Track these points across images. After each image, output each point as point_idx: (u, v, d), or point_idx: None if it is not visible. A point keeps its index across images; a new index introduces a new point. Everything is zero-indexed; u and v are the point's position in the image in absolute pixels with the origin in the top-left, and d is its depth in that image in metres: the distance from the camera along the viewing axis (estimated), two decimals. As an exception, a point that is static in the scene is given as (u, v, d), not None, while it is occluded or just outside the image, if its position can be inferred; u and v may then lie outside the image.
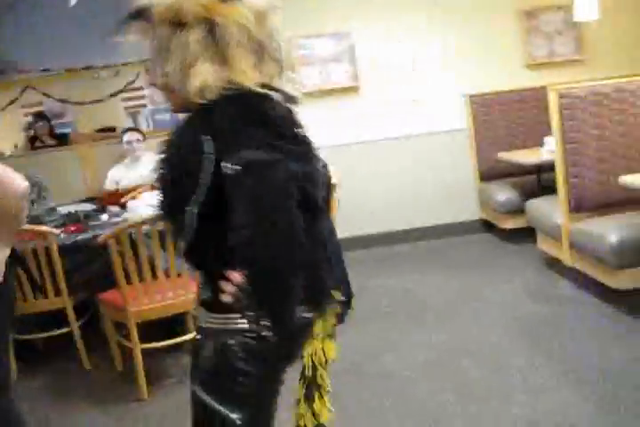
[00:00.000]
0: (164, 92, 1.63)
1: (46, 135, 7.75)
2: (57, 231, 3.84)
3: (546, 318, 3.98)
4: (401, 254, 5.68)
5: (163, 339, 3.69)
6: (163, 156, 1.61)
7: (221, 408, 1.59)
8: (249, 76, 1.50)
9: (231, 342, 1.57)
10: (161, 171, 1.61)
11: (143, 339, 3.55)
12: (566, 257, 4.44)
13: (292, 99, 1.59)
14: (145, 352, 3.56)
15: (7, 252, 2.43)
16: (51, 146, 7.44)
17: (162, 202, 1.63)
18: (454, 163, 5.96)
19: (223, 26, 1.48)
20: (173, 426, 3.22)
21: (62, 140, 7.87)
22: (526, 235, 5.25)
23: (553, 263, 4.75)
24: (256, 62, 1.53)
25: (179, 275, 3.54)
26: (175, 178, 1.56)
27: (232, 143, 1.42)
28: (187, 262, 1.67)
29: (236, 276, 1.47)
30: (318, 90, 5.77)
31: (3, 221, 2.40)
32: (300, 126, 1.56)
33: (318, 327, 1.71)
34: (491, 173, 5.86)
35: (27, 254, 3.65)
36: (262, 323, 1.45)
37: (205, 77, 1.48)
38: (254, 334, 1.52)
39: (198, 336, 1.69)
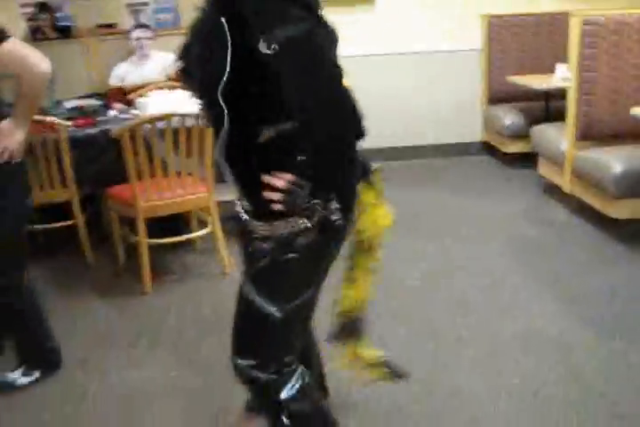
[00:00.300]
0: None
1: (49, 27, 7.56)
2: (68, 123, 3.81)
3: (540, 241, 4.08)
4: (402, 170, 5.70)
5: (165, 236, 3.76)
6: (188, 43, 1.61)
7: (265, 304, 1.68)
8: None
9: (277, 245, 1.63)
10: (186, 59, 1.60)
11: (148, 235, 3.60)
12: (566, 184, 4.50)
13: None
14: (149, 248, 3.61)
15: (25, 132, 2.50)
16: (53, 39, 7.27)
17: (196, 95, 1.64)
18: (462, 83, 5.91)
19: None
20: (175, 318, 3.33)
21: (65, 33, 7.68)
22: (528, 160, 5.29)
23: (552, 189, 4.81)
24: None
25: (189, 174, 3.57)
26: (203, 65, 1.54)
27: (261, 24, 1.40)
28: (230, 170, 1.65)
29: (279, 181, 1.51)
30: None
31: (27, 101, 2.46)
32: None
33: (368, 196, 1.74)
34: (498, 96, 5.83)
35: (36, 146, 3.65)
36: (332, 206, 1.48)
37: None
38: (301, 234, 1.58)
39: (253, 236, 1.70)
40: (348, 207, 1.61)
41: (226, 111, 1.50)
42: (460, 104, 5.95)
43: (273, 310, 1.68)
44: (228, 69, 1.45)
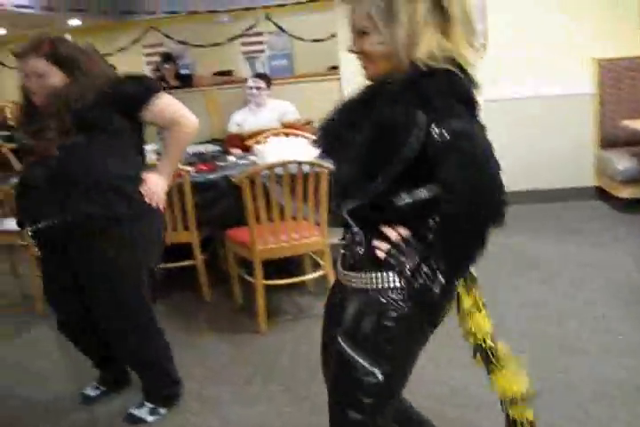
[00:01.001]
0: (371, 59, 1.65)
1: (172, 77, 8.03)
2: (191, 169, 4.06)
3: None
4: (515, 214, 5.67)
5: (280, 277, 3.92)
6: (343, 123, 1.70)
7: (360, 361, 1.67)
8: (463, 48, 1.59)
9: (380, 300, 1.65)
10: (346, 138, 1.67)
11: (263, 276, 3.76)
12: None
13: (474, 82, 1.64)
14: (265, 289, 3.77)
15: (169, 181, 2.80)
16: (175, 87, 7.71)
17: (339, 166, 1.72)
18: (574, 127, 5.88)
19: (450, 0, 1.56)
20: (288, 357, 3.45)
21: (186, 81, 8.14)
22: (642, 205, 5.20)
23: (668, 236, 4.70)
24: (468, 38, 1.61)
25: (304, 218, 3.72)
26: (369, 146, 1.61)
27: (441, 116, 1.50)
28: (349, 219, 1.72)
29: (393, 233, 1.61)
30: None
31: (175, 152, 2.81)
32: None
33: (467, 302, 1.78)
34: (611, 141, 5.77)
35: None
36: (437, 278, 1.56)
37: (431, 46, 1.55)
38: (403, 293, 1.63)
39: (346, 289, 1.76)
40: (450, 288, 1.66)
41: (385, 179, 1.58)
42: (573, 148, 5.91)
43: (373, 370, 1.68)
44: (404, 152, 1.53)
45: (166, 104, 2.68)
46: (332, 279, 3.81)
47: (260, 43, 11.50)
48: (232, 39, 11.24)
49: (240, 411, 2.97)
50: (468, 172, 1.50)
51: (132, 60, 11.18)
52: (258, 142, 5.04)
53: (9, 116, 7.14)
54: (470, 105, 1.59)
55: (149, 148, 4.74)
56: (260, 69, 11.40)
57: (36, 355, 3.75)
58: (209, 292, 4.29)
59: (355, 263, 1.72)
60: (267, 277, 3.79)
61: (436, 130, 1.48)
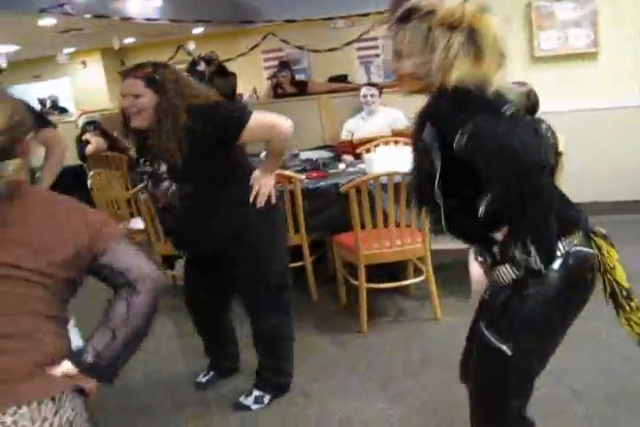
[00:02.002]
0: (405, 79, 1.88)
1: (287, 83, 8.35)
2: (302, 177, 4.31)
3: None
4: (622, 224, 5.64)
5: (384, 281, 4.12)
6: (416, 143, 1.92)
7: (502, 347, 1.83)
8: (491, 77, 1.77)
9: (525, 292, 1.82)
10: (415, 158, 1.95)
11: (367, 279, 3.97)
12: None
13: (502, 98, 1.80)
14: (368, 291, 3.99)
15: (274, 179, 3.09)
16: (291, 94, 8.03)
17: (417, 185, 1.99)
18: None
19: (482, 34, 1.75)
20: (387, 357, 3.64)
21: (301, 88, 8.44)
22: None
23: None
24: (499, 65, 1.79)
25: (407, 225, 3.90)
26: (421, 163, 1.90)
27: (453, 129, 1.70)
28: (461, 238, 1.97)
29: (499, 234, 1.81)
30: (555, 55, 5.82)
31: (275, 157, 3.07)
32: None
33: (614, 255, 1.96)
34: None
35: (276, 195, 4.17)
36: (532, 258, 1.73)
37: (462, 74, 1.73)
38: (544, 284, 1.79)
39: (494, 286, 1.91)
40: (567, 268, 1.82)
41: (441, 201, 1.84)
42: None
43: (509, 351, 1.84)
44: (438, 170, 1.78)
45: (257, 122, 2.84)
46: (432, 284, 3.98)
47: (375, 47, 11.65)
48: (347, 44, 11.46)
49: (338, 405, 3.19)
50: (496, 165, 1.69)
51: (251, 65, 11.62)
52: (368, 150, 5.26)
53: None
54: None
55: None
56: (375, 73, 11.59)
57: (157, 342, 4.10)
58: (316, 292, 4.54)
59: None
60: (370, 280, 3.99)
61: (457, 140, 1.68)
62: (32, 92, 12.75)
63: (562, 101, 5.69)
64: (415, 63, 1.81)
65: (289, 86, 8.31)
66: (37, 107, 11.91)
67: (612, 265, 1.94)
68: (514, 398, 1.93)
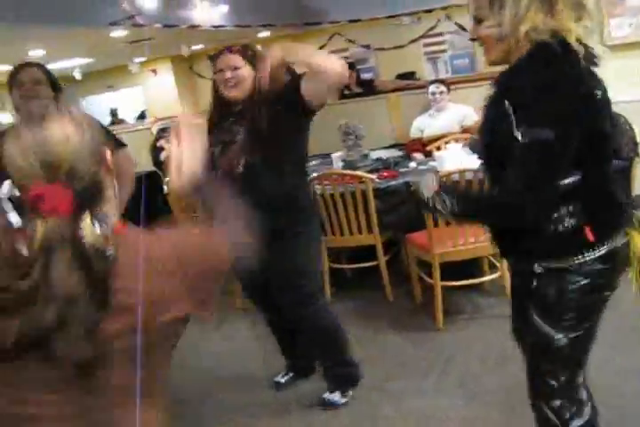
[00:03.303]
0: (488, 43, 1.92)
1: (354, 83, 8.38)
2: (373, 177, 4.34)
3: None
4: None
5: (459, 278, 4.11)
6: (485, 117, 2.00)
7: (548, 329, 1.97)
8: (571, 29, 1.79)
9: (563, 280, 1.93)
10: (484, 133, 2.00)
11: (442, 277, 3.98)
12: None
13: (594, 58, 1.83)
14: (443, 289, 3.99)
15: None
16: (357, 94, 8.05)
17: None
18: None
19: None
20: (463, 354, 3.65)
21: (367, 87, 8.46)
22: None
23: None
24: (576, 17, 1.81)
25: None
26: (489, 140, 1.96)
27: (530, 119, 1.75)
28: None
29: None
30: (627, 42, 5.69)
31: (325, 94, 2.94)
32: (596, 86, 1.81)
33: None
34: None
35: (347, 196, 4.22)
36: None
37: (535, 23, 1.78)
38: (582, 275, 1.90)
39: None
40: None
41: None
42: None
43: (559, 336, 1.97)
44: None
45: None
46: (507, 280, 3.95)
47: (442, 43, 11.58)
48: (414, 41, 11.42)
49: (415, 403, 3.21)
50: (522, 175, 1.78)
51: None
52: (438, 148, 5.25)
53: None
54: (567, 89, 1.76)
55: (336, 155, 5.10)
56: (442, 69, 11.53)
57: (233, 346, 4.19)
58: (391, 291, 4.56)
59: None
60: (445, 277, 3.99)
61: (522, 130, 1.74)
62: (105, 103, 13.16)
63: (635, 90, 5.56)
64: (491, 25, 1.87)
65: (355, 86, 8.34)
66: (108, 118, 12.29)
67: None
68: (554, 379, 2.04)
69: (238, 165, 2.94)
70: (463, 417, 3.04)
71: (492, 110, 1.90)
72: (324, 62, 2.73)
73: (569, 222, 1.88)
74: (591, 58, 1.82)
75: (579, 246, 1.90)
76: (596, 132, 1.83)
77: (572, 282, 1.91)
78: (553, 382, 2.04)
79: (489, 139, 1.94)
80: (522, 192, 1.79)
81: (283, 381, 3.56)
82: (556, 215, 1.88)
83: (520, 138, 1.74)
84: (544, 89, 1.75)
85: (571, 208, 1.87)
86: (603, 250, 1.90)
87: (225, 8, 7.53)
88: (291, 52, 2.80)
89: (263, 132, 2.92)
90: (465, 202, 1.97)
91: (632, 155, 4.23)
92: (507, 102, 1.78)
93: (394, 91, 7.62)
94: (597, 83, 1.82)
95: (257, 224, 2.91)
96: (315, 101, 2.90)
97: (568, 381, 2.04)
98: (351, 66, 8.85)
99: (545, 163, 1.77)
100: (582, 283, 1.91)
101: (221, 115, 3.10)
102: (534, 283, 1.98)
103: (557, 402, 2.06)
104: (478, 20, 1.91)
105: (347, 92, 8.29)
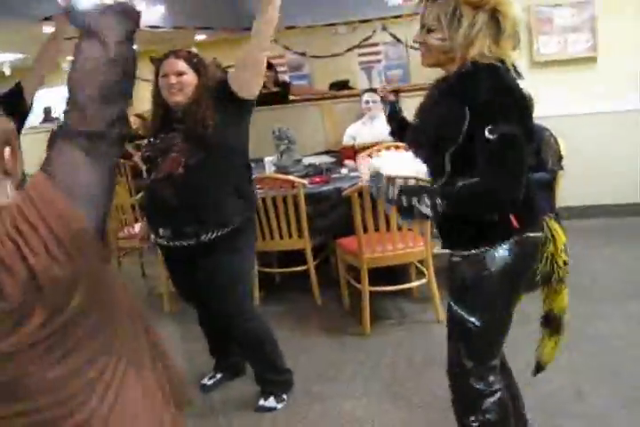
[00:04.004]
0: (432, 51, 2.09)
1: (271, 83, 8.40)
2: (305, 182, 4.37)
3: None
4: (622, 227, 5.69)
5: (387, 284, 4.17)
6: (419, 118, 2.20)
7: (463, 313, 2.16)
8: (509, 55, 2.01)
9: (482, 272, 2.10)
10: (420, 139, 2.21)
11: (370, 282, 4.02)
12: None
13: (518, 73, 2.05)
14: (371, 294, 4.04)
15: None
16: (273, 93, 8.07)
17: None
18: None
19: (504, 15, 1.97)
20: (390, 359, 3.70)
21: (283, 88, 8.49)
22: None
23: None
24: (513, 45, 2.03)
25: (409, 229, 3.96)
26: (435, 143, 2.10)
27: (489, 114, 1.92)
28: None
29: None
30: (554, 59, 5.88)
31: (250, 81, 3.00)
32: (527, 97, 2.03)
33: (550, 247, 2.26)
34: None
35: (278, 200, 4.24)
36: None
37: (482, 49, 1.97)
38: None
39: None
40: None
41: (448, 167, 2.06)
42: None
43: (472, 320, 2.15)
44: (460, 141, 1.99)
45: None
46: (434, 287, 4.03)
47: (377, 53, 11.72)
48: (349, 50, 11.51)
49: (343, 406, 3.25)
50: (498, 172, 1.93)
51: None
52: (370, 155, 5.31)
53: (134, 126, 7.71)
54: (518, 97, 1.98)
55: (268, 160, 5.11)
56: (376, 79, 11.65)
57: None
58: (319, 296, 4.59)
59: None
60: (373, 283, 4.04)
61: (489, 128, 1.89)
62: (38, 101, 12.83)
63: (561, 105, 5.75)
64: (441, 38, 2.04)
65: (272, 85, 8.39)
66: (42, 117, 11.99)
67: (561, 247, 2.27)
68: (469, 360, 2.21)
69: (179, 167, 2.94)
70: (390, 420, 3.08)
71: (440, 109, 2.08)
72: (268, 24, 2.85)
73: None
74: (518, 72, 2.04)
75: (493, 236, 2.08)
76: (528, 134, 2.00)
77: (483, 269, 2.09)
78: (469, 364, 2.20)
79: (436, 132, 2.08)
80: (503, 182, 1.93)
81: (209, 383, 3.55)
82: None
83: (490, 136, 1.89)
84: (501, 91, 1.95)
85: None
86: (515, 240, 2.08)
87: (162, 9, 7.47)
88: None
89: (203, 134, 2.93)
90: (452, 196, 2.05)
91: (556, 168, 4.37)
92: (464, 104, 1.96)
93: (307, 100, 7.66)
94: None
95: (195, 226, 2.95)
96: (243, 91, 2.97)
97: (483, 362, 2.21)
98: (270, 66, 8.88)
99: (516, 153, 1.93)
100: (492, 270, 2.08)
101: (163, 119, 3.10)
102: (454, 271, 2.21)
103: (473, 382, 2.21)
104: (428, 29, 2.07)
105: (263, 91, 8.28)
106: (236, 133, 3.09)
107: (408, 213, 2.09)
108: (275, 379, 3.36)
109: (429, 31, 2.06)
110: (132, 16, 1.28)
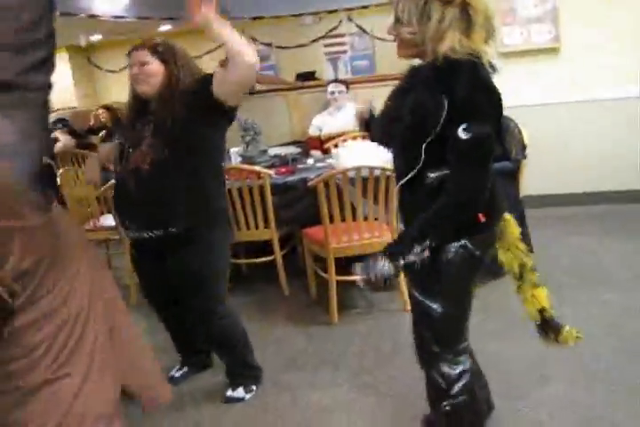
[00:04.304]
0: (404, 43, 2.12)
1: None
2: (271, 172, 4.36)
3: None
4: (582, 216, 5.79)
5: (352, 273, 4.16)
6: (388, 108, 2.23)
7: (425, 300, 2.22)
8: (482, 48, 2.03)
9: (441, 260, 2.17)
10: (390, 129, 2.20)
11: (337, 272, 4.04)
12: None
13: (493, 68, 2.07)
14: (338, 284, 4.06)
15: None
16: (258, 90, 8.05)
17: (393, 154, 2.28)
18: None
19: (474, 9, 2.00)
20: (357, 348, 3.72)
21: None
22: None
23: None
24: (486, 37, 2.05)
25: (375, 219, 3.98)
26: (410, 132, 2.11)
27: (466, 112, 1.95)
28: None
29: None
30: (518, 50, 5.94)
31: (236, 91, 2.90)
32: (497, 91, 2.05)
33: (505, 240, 2.38)
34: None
35: (244, 191, 4.23)
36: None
37: (453, 43, 1.99)
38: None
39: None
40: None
41: (423, 157, 2.06)
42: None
43: (435, 306, 2.21)
44: (438, 131, 2.00)
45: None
46: (401, 276, 4.04)
47: (343, 44, 11.71)
48: (315, 40, 11.50)
49: (311, 395, 3.26)
50: (466, 168, 2.01)
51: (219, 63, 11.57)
52: (336, 145, 5.32)
53: (102, 119, 7.62)
54: (491, 94, 2.02)
55: (234, 150, 5.09)
56: (342, 70, 11.65)
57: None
58: (286, 286, 4.60)
59: None
60: (340, 272, 4.05)
61: (464, 127, 1.93)
62: None
63: (525, 96, 5.82)
64: (411, 31, 2.07)
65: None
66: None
67: (515, 244, 2.38)
68: (436, 346, 2.27)
69: (145, 162, 2.90)
70: (359, 408, 3.09)
71: (417, 95, 2.08)
72: (240, 45, 2.68)
73: None
74: (493, 67, 2.06)
75: (462, 231, 2.13)
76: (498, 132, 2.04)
77: (442, 255, 2.15)
78: (436, 349, 2.27)
79: (412, 119, 2.08)
80: (474, 184, 2.01)
81: (177, 375, 3.53)
82: None
83: (462, 136, 1.94)
84: (479, 89, 1.99)
85: None
86: (473, 231, 2.15)
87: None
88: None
89: (170, 130, 2.88)
90: (431, 226, 2.08)
91: (520, 157, 4.42)
92: (443, 96, 1.97)
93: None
94: None
95: (160, 221, 2.91)
96: (229, 101, 2.88)
97: (449, 347, 2.27)
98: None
99: (485, 153, 2.00)
100: (450, 257, 2.14)
101: (136, 110, 3.06)
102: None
103: (441, 366, 2.27)
104: (400, 22, 2.08)
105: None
106: (207, 136, 3.00)
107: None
108: (245, 373, 3.36)
109: (400, 23, 2.09)
110: None
